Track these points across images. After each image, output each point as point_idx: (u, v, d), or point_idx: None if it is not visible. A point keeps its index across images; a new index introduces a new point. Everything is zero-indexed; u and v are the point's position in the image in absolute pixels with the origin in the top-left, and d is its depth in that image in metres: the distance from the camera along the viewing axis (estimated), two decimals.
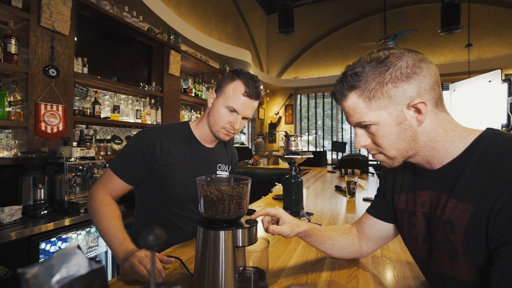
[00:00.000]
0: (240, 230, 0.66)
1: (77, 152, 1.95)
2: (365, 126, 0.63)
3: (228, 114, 1.02)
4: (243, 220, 0.71)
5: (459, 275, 0.56)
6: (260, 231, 1.22)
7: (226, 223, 0.66)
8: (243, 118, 1.04)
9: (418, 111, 0.58)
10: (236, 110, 1.01)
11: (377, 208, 0.83)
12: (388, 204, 0.79)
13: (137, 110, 2.89)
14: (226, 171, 1.21)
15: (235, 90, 1.00)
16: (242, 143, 5.94)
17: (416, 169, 0.68)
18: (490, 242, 0.50)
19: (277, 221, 0.82)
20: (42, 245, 1.65)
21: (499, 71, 3.31)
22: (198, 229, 0.67)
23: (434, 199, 0.62)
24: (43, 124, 1.96)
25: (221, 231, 0.64)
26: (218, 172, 1.16)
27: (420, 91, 0.58)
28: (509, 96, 3.10)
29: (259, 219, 0.76)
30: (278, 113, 6.85)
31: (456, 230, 0.55)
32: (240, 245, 0.66)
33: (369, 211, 0.86)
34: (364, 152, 6.43)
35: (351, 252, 0.86)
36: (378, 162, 5.87)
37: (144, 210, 1.11)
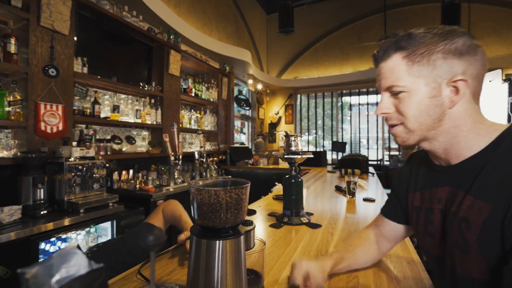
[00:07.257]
0: (237, 238, 0.59)
1: (76, 152, 1.95)
2: (395, 92, 0.61)
3: None
4: None
5: (469, 272, 0.56)
6: (257, 233, 1.22)
7: (222, 231, 0.59)
8: None
9: (456, 90, 0.57)
10: None
11: (392, 209, 0.83)
12: (402, 203, 0.79)
13: (137, 110, 2.89)
14: None
15: None
16: (242, 143, 5.92)
17: (432, 165, 0.68)
18: (506, 242, 0.49)
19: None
20: (42, 245, 1.64)
21: (499, 71, 3.31)
22: (191, 237, 0.61)
23: (450, 195, 0.61)
24: (42, 124, 1.96)
25: (217, 241, 0.57)
26: None
27: (467, 73, 0.56)
28: (509, 96, 3.11)
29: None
30: (278, 113, 6.85)
31: (472, 228, 0.54)
32: None
33: (384, 212, 0.86)
34: (364, 152, 6.43)
35: (372, 260, 0.86)
36: (378, 162, 5.84)
37: None
